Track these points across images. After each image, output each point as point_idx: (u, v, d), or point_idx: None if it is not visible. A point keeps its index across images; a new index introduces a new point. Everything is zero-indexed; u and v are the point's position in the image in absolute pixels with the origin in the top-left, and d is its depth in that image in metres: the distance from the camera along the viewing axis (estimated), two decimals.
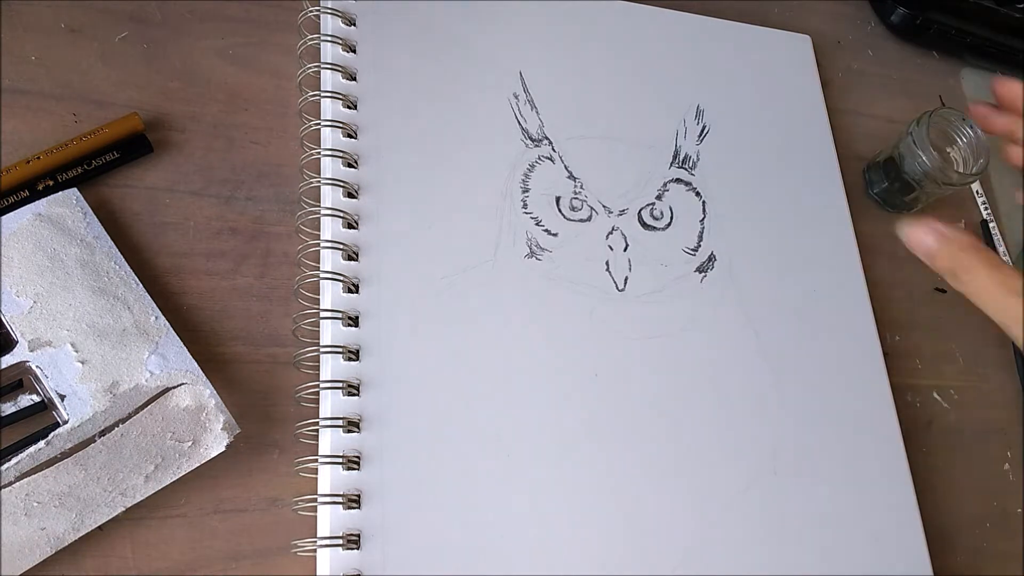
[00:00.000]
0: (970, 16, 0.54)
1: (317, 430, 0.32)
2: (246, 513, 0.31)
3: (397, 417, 0.32)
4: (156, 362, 0.30)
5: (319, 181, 0.35)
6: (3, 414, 0.29)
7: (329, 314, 0.33)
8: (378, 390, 0.33)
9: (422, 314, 0.34)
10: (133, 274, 0.32)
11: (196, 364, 0.31)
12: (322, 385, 0.32)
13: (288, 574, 0.31)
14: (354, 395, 0.32)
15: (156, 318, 0.31)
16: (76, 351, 0.30)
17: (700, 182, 0.42)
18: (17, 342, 0.30)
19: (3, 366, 0.29)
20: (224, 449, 0.30)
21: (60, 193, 0.32)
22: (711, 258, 0.40)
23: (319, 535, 0.30)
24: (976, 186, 0.51)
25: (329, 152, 0.36)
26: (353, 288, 0.34)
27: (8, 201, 0.32)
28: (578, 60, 0.43)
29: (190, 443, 0.30)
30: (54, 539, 0.28)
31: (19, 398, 0.30)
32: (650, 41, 0.45)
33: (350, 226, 0.35)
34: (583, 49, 0.43)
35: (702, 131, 0.43)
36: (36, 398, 0.30)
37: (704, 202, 0.42)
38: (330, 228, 0.35)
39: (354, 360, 0.33)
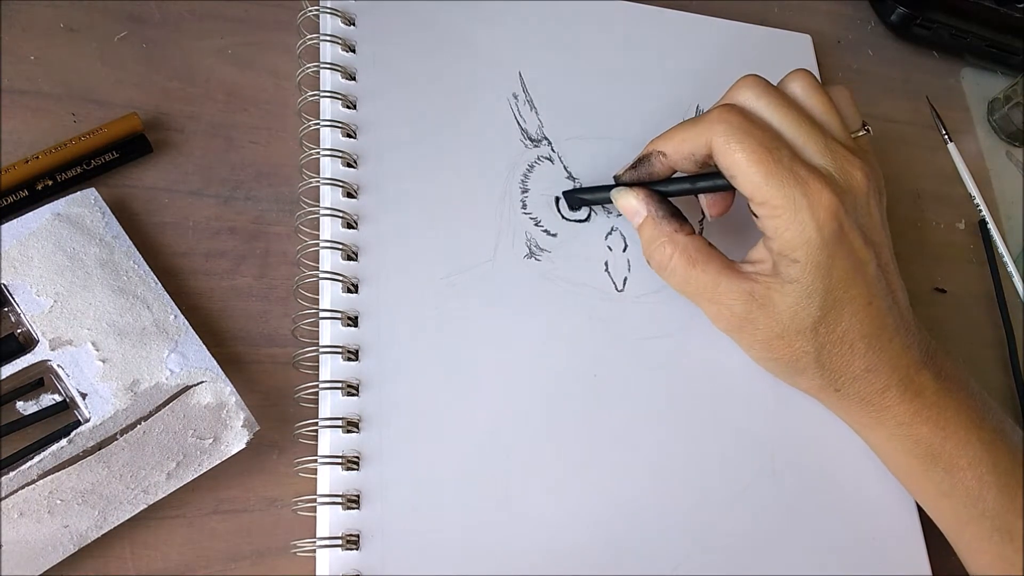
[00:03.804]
0: (970, 16, 0.54)
1: (316, 430, 0.32)
2: (245, 514, 0.31)
3: (397, 417, 0.32)
4: (176, 360, 0.30)
5: (318, 181, 0.35)
6: (25, 413, 0.29)
7: (328, 314, 0.33)
8: (378, 390, 0.33)
9: (421, 314, 0.34)
10: (152, 273, 0.32)
11: (215, 362, 0.31)
12: (321, 385, 0.32)
13: (287, 574, 0.31)
14: (353, 395, 0.32)
15: (175, 316, 0.31)
16: (97, 350, 0.30)
17: None
18: (38, 341, 0.30)
19: (24, 365, 0.29)
20: (244, 446, 0.30)
21: (79, 193, 0.32)
22: None
23: (318, 535, 0.30)
24: (974, 186, 0.51)
25: (328, 152, 0.36)
26: (352, 288, 0.34)
27: (7, 201, 0.32)
28: (578, 60, 0.43)
29: (211, 440, 0.30)
30: (78, 536, 0.28)
31: (40, 397, 0.30)
32: (650, 41, 0.45)
33: (349, 226, 0.35)
34: (583, 49, 0.43)
35: None
36: (57, 397, 0.30)
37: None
38: (329, 228, 0.35)
39: (353, 360, 0.33)
